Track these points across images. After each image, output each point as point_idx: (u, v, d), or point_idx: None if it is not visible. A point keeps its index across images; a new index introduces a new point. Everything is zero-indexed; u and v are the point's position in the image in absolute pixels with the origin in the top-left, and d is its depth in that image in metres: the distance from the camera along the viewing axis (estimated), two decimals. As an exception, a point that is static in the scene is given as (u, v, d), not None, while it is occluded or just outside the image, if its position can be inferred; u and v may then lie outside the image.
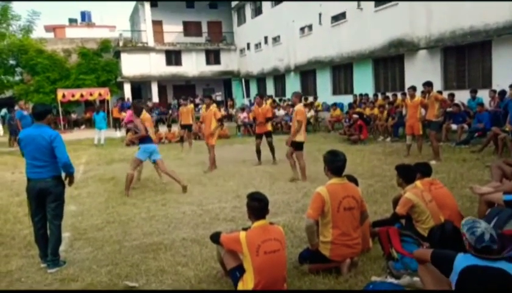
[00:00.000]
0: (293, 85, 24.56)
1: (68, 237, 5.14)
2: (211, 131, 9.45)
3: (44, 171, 4.28)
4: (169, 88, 33.13)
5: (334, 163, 3.89)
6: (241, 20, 30.99)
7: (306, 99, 20.67)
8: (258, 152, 9.91)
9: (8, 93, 30.73)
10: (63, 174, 4.47)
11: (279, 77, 26.82)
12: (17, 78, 30.70)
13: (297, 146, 7.85)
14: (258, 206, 3.44)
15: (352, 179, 4.24)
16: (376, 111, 14.25)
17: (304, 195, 6.75)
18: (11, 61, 29.76)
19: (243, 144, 14.25)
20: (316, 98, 20.66)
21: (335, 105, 17.78)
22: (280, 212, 5.83)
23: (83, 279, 4.00)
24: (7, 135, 16.70)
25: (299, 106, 7.96)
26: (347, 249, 3.79)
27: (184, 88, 33.13)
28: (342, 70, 20.62)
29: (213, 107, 9.88)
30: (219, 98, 32.46)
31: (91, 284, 3.88)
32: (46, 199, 4.32)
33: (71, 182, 4.59)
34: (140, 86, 32.66)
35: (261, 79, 29.39)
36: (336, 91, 21.10)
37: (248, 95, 26.69)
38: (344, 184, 3.90)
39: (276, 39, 26.14)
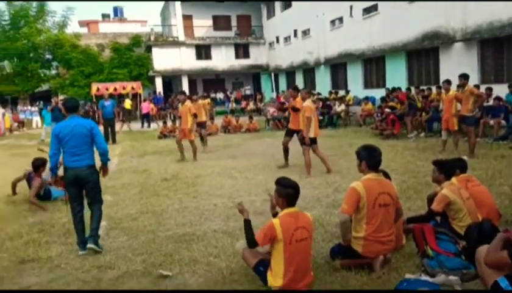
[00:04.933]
0: (323, 78, 24.32)
1: (105, 226, 5.29)
2: (189, 128, 10.14)
3: (82, 159, 4.55)
4: (199, 82, 33.47)
5: (372, 158, 3.81)
6: (271, 13, 30.85)
7: (336, 93, 20.44)
8: (286, 151, 8.91)
9: (45, 87, 31.92)
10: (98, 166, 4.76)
11: (308, 71, 26.59)
12: (53, 72, 31.87)
13: (304, 141, 7.96)
14: (292, 192, 3.43)
15: (385, 175, 4.16)
16: (409, 105, 13.87)
17: (334, 190, 6.70)
18: (48, 56, 30.91)
19: (272, 138, 14.23)
20: (347, 92, 20.36)
21: (367, 99, 17.47)
22: (310, 207, 5.80)
23: (119, 267, 4.12)
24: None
25: (307, 102, 8.01)
26: (380, 246, 3.74)
27: (214, 82, 33.41)
28: (374, 63, 20.21)
29: (188, 102, 10.56)
30: (248, 92, 32.56)
31: (126, 272, 4.00)
32: (83, 187, 4.64)
33: (105, 173, 4.87)
34: (171, 80, 33.17)
35: (290, 73, 29.23)
36: (367, 85, 20.73)
37: (277, 89, 26.62)
38: (381, 180, 3.83)
39: (306, 33, 25.89)
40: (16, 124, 23.28)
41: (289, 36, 28.04)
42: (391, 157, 9.15)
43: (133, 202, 6.56)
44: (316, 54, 24.54)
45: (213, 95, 30.86)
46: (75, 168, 4.54)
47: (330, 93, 20.82)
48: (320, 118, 16.69)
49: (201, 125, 12.24)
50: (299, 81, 27.57)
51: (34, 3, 29.82)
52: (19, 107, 29.04)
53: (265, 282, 3.46)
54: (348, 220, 3.72)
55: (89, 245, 4.49)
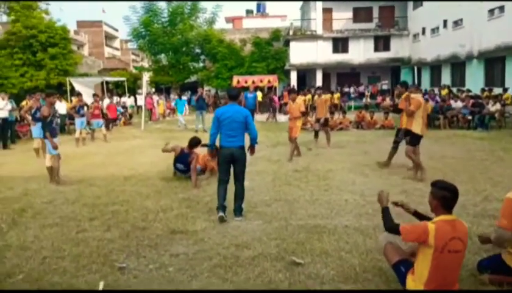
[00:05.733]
0: (475, 73, 21.78)
1: (243, 207, 5.64)
2: (297, 125, 9.71)
3: (235, 141, 5.31)
4: (333, 75, 33.15)
5: None
6: (418, 3, 28.71)
7: (490, 90, 18.12)
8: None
9: (193, 78, 35.34)
10: (246, 146, 5.48)
11: (458, 65, 24.08)
12: (201, 65, 35.05)
13: (414, 140, 7.32)
14: (448, 195, 3.12)
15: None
16: None
17: (484, 199, 6.01)
18: (197, 50, 34.07)
19: (410, 136, 13.35)
20: (505, 90, 17.86)
21: (528, 98, 15.08)
22: (454, 214, 5.29)
23: (254, 247, 4.37)
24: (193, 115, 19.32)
25: (416, 96, 7.49)
26: (541, 265, 3.24)
27: (349, 75, 32.70)
28: (541, 57, 17.33)
29: (299, 99, 10.21)
30: (385, 87, 31.04)
31: (261, 253, 4.21)
32: (233, 164, 5.37)
33: (252, 152, 5.70)
34: (305, 74, 33.53)
35: (435, 67, 26.89)
36: (530, 83, 17.89)
37: (419, 84, 24.79)
38: (545, 190, 3.31)
39: (457, 23, 23.44)
40: (168, 111, 26.30)
41: (438, 27, 25.76)
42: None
43: (267, 189, 6.87)
44: (469, 47, 22.06)
45: (346, 89, 30.32)
46: (230, 148, 5.29)
47: (483, 90, 18.52)
48: (469, 117, 15.09)
49: (320, 121, 11.53)
50: (445, 76, 25.23)
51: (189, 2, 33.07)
52: (171, 96, 32.74)
53: (403, 284, 3.29)
54: (509, 237, 3.28)
55: (237, 218, 5.30)
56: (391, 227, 3.29)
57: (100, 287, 3.61)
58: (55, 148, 7.53)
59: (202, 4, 34.60)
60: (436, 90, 21.83)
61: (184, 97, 21.11)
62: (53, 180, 7.63)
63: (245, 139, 5.42)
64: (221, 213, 5.23)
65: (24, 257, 4.30)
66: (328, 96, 13.08)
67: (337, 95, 24.84)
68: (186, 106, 26.09)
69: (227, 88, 5.87)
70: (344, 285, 3.56)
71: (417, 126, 7.30)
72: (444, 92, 20.26)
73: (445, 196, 3.12)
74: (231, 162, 5.35)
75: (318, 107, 11.54)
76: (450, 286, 3.15)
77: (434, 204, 3.20)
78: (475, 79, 21.69)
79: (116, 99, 24.44)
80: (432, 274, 3.05)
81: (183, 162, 7.61)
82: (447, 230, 3.06)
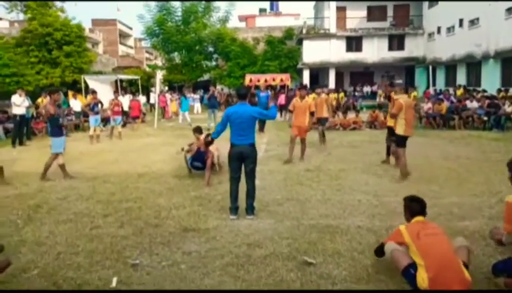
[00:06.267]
0: (491, 73, 21.43)
1: (255, 206, 5.65)
2: (307, 127, 9.25)
3: (245, 139, 5.38)
4: (346, 74, 32.96)
5: None
6: (433, 2, 28.35)
7: (507, 90, 17.81)
8: (388, 147, 9.02)
9: (206, 77, 35.46)
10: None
11: (473, 65, 23.73)
12: (213, 63, 35.16)
13: (398, 141, 7.31)
14: (414, 206, 3.71)
15: None
16: None
17: (499, 201, 5.88)
18: (210, 49, 34.19)
19: (424, 137, 13.18)
20: (521, 90, 17.59)
21: (546, 99, 14.76)
22: (468, 217, 5.24)
23: (266, 246, 4.38)
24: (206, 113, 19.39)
25: (399, 97, 7.47)
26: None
27: (362, 75, 32.48)
28: (560, 57, 16.97)
29: (308, 98, 9.66)
30: (399, 86, 30.75)
31: (273, 253, 4.21)
32: (244, 161, 5.42)
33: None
34: (318, 72, 33.39)
35: (450, 66, 26.53)
36: (548, 83, 17.54)
37: (434, 84, 24.49)
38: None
39: (474, 22, 23.10)
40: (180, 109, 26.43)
41: (453, 26, 25.43)
42: None
43: (279, 188, 6.85)
44: (485, 46, 21.72)
45: (359, 88, 30.15)
46: (240, 146, 5.35)
47: (499, 90, 18.22)
48: (485, 118, 14.85)
49: (321, 121, 11.22)
50: (461, 76, 24.90)
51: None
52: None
53: (413, 285, 3.32)
54: None
55: (248, 217, 5.34)
56: (378, 249, 3.86)
57: (113, 283, 3.66)
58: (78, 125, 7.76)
59: (216, 3, 34.73)
60: (451, 90, 21.54)
61: (190, 96, 21.07)
62: (64, 175, 7.80)
63: (255, 137, 5.53)
64: (233, 216, 5.33)
65: (39, 252, 4.37)
66: (333, 95, 12.86)
67: (341, 95, 24.78)
68: (198, 104, 26.19)
69: (237, 87, 5.95)
70: (356, 286, 3.54)
71: (399, 127, 7.28)
72: (459, 92, 19.98)
73: (411, 206, 3.73)
74: (241, 160, 5.41)
75: (317, 107, 10.92)
76: (454, 270, 3.20)
77: (405, 214, 3.80)
78: (491, 79, 21.36)
79: (129, 97, 24.59)
80: (426, 259, 3.27)
81: (200, 160, 7.71)
82: (415, 226, 3.53)
